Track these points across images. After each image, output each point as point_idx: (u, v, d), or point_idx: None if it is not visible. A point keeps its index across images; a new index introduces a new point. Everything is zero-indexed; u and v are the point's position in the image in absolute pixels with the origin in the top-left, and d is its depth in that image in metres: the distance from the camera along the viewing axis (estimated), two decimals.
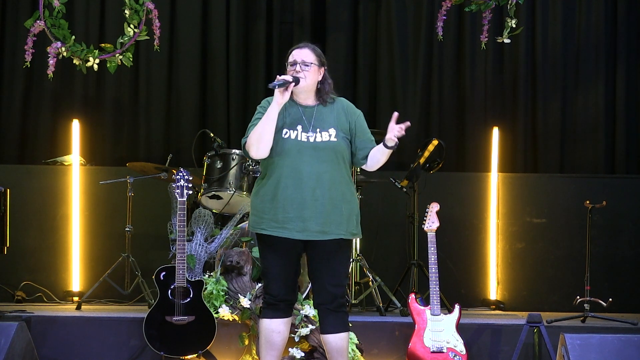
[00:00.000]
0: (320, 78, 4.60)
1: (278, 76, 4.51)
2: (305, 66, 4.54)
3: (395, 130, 4.44)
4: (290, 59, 4.59)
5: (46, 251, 7.39)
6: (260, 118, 4.51)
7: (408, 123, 4.48)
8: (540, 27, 7.92)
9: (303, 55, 4.57)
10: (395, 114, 4.50)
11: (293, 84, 4.48)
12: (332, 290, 4.55)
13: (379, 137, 4.67)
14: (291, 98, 4.57)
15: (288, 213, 4.49)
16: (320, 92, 4.61)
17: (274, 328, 4.60)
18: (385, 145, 4.49)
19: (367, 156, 4.60)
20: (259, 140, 4.47)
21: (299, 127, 4.53)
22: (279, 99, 4.47)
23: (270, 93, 4.53)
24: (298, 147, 4.50)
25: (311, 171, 4.48)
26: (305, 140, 4.51)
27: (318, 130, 4.53)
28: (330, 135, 4.54)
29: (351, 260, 6.39)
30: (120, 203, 6.99)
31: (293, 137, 4.51)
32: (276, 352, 4.61)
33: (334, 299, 4.56)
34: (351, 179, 4.66)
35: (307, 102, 4.60)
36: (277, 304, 4.60)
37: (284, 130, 4.53)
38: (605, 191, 7.19)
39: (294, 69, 4.55)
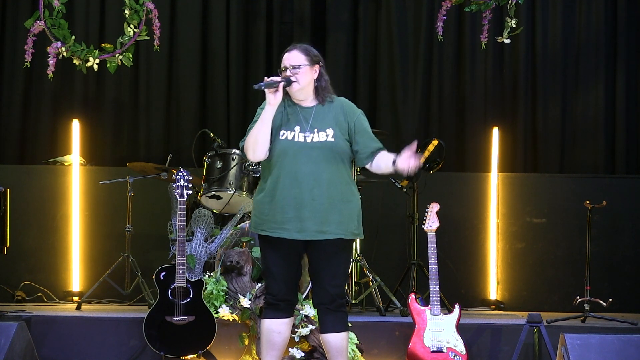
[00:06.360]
0: (315, 76, 4.56)
1: (266, 77, 4.48)
2: (295, 69, 4.50)
3: (407, 164, 4.42)
4: (282, 64, 4.56)
5: (46, 251, 7.39)
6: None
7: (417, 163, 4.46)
8: (540, 27, 7.92)
9: (292, 58, 4.53)
10: (415, 143, 4.49)
11: (282, 83, 4.45)
12: (332, 290, 4.55)
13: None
14: (290, 99, 4.57)
15: (286, 213, 4.48)
16: (318, 90, 4.58)
17: (275, 328, 4.60)
18: (395, 166, 4.48)
19: (370, 155, 4.57)
20: (255, 142, 4.48)
21: (297, 128, 4.51)
22: (272, 100, 4.45)
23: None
24: (295, 148, 4.48)
25: (308, 171, 4.46)
26: (302, 140, 4.49)
27: (316, 130, 4.51)
28: (327, 135, 4.51)
29: (351, 260, 6.39)
30: (120, 203, 6.98)
31: (290, 138, 4.50)
32: (277, 352, 4.61)
33: (333, 299, 4.56)
34: (352, 179, 4.64)
35: (306, 102, 4.58)
36: (278, 303, 4.60)
37: (282, 132, 4.52)
38: (605, 191, 7.19)
39: (285, 74, 4.51)
